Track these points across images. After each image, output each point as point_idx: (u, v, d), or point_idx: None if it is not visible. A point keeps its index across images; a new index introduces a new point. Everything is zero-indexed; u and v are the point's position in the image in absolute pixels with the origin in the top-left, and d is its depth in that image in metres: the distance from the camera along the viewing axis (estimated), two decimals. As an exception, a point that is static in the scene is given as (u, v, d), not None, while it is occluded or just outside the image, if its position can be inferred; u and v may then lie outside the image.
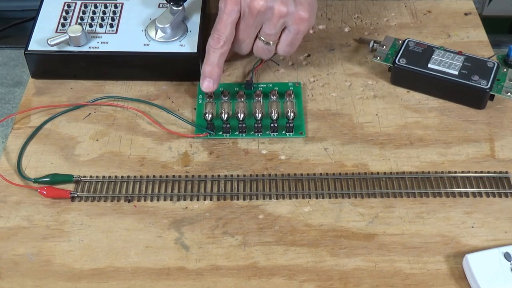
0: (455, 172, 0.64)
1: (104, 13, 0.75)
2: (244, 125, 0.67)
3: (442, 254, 0.58)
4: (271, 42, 0.69)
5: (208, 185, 0.64)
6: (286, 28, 0.68)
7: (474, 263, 0.55)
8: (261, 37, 0.69)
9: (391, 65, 0.72)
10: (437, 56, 0.71)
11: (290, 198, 0.62)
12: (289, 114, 0.67)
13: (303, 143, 0.67)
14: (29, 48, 0.72)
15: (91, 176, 0.64)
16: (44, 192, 0.62)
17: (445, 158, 0.65)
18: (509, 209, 0.61)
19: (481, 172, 0.64)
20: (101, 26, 0.74)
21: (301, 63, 0.76)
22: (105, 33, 0.73)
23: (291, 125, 0.67)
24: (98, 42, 0.72)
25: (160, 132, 0.68)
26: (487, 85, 0.69)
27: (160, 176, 0.64)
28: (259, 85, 0.73)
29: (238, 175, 0.64)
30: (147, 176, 0.64)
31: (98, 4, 0.76)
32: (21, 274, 0.57)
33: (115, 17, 0.75)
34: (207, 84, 0.68)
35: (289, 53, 0.71)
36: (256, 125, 0.67)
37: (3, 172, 0.64)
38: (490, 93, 0.69)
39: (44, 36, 0.72)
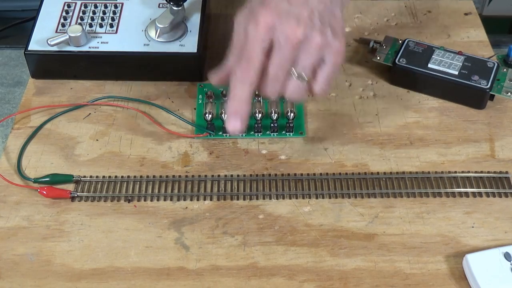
0: (455, 172, 0.64)
1: (104, 13, 0.75)
2: (244, 125, 0.67)
3: (442, 254, 0.58)
4: (306, 78, 0.57)
5: (208, 185, 0.64)
6: (322, 62, 0.57)
7: (474, 263, 0.55)
8: (295, 73, 0.56)
9: (391, 65, 0.72)
10: (437, 56, 0.71)
11: (290, 198, 0.62)
12: (289, 114, 0.67)
13: (303, 143, 0.67)
14: (29, 48, 0.72)
15: (91, 176, 0.64)
16: (44, 192, 0.62)
17: (445, 158, 0.65)
18: (509, 209, 0.61)
19: (481, 172, 0.64)
20: (101, 26, 0.74)
21: (301, 63, 0.76)
22: (105, 33, 0.73)
23: (291, 125, 0.67)
24: (98, 42, 0.72)
25: (160, 132, 0.68)
26: (487, 85, 0.69)
27: (160, 176, 0.64)
28: (259, 85, 0.73)
29: (238, 175, 0.64)
30: (147, 176, 0.64)
31: (98, 4, 0.76)
32: (21, 274, 0.57)
33: (115, 17, 0.75)
34: (234, 124, 0.56)
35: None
36: (256, 125, 0.67)
37: (3, 172, 0.64)
38: (490, 93, 0.69)
39: (44, 36, 0.72)
